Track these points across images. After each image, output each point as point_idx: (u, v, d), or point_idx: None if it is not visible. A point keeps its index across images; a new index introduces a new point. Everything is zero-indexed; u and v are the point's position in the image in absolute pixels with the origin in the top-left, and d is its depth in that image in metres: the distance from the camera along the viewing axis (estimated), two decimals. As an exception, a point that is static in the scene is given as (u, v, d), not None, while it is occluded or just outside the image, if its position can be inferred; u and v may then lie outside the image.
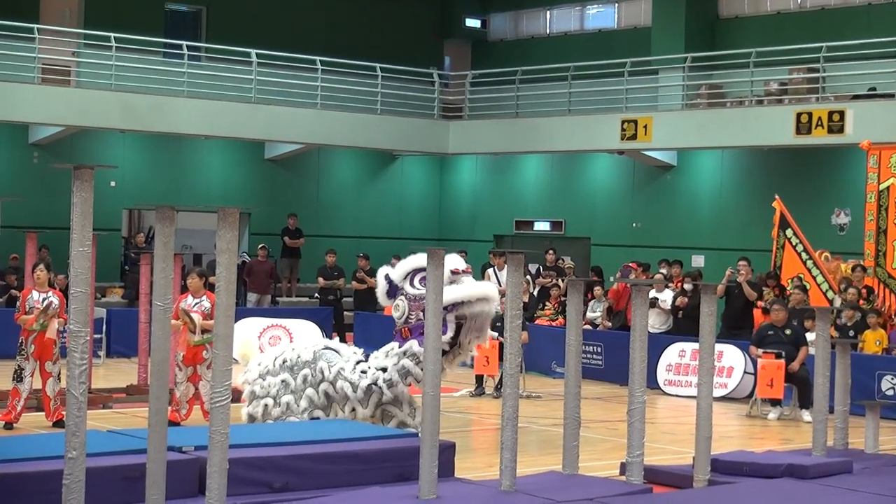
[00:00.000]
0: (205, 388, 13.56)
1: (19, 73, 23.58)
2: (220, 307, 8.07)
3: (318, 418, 12.29)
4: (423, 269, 12.33)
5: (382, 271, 12.99)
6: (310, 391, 12.32)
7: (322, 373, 12.35)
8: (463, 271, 12.64)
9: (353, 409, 12.36)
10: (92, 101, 23.97)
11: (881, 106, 22.03)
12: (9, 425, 13.63)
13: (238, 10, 28.80)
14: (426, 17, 31.61)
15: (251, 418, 12.54)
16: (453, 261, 12.71)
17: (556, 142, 26.66)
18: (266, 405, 12.31)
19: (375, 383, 12.32)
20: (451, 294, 12.04)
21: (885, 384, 16.77)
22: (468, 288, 12.49)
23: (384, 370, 12.39)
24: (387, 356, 12.50)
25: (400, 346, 12.54)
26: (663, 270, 21.85)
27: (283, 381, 12.37)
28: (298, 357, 12.45)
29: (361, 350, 12.94)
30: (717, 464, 11.06)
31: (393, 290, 12.78)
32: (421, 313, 12.28)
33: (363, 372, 12.41)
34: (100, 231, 12.38)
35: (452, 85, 29.98)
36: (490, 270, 22.31)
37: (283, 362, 12.46)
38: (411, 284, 12.60)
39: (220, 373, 8.00)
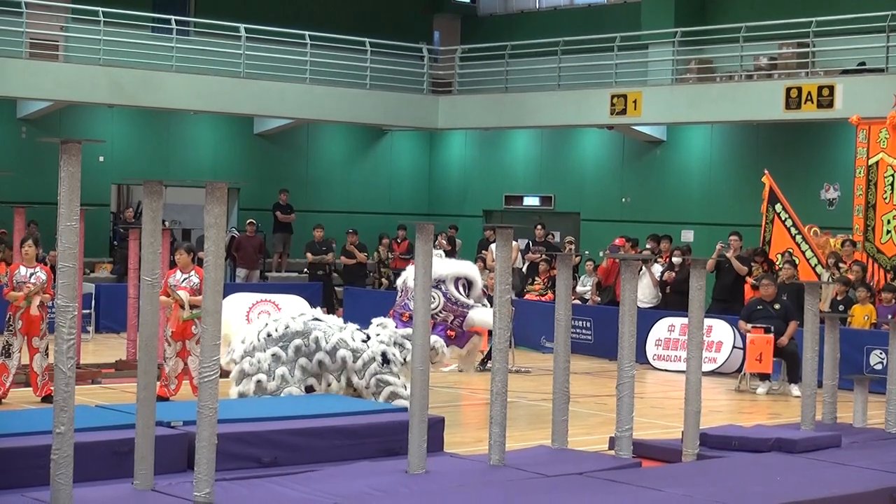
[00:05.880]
0: (194, 363, 13.56)
1: (7, 48, 23.47)
2: (209, 282, 8.06)
3: (311, 387, 12.24)
4: (469, 280, 13.01)
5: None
6: (303, 360, 12.20)
7: (317, 342, 12.26)
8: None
9: (348, 379, 12.34)
10: (80, 75, 23.87)
11: (870, 81, 22.00)
12: (-3, 401, 13.64)
13: (226, -16, 28.70)
14: (415, -9, 31.53)
15: (243, 397, 12.39)
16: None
17: (546, 117, 26.61)
18: (259, 381, 12.13)
19: (384, 355, 12.34)
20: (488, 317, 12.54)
21: (874, 358, 16.81)
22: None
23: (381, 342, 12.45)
24: (388, 334, 12.51)
25: (398, 327, 12.59)
26: (650, 246, 21.80)
27: (273, 355, 12.21)
28: (287, 328, 12.31)
29: (345, 321, 12.90)
30: (705, 438, 11.08)
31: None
32: (451, 318, 12.86)
33: (364, 340, 12.40)
34: (88, 206, 12.38)
35: (442, 60, 29.90)
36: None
37: (268, 335, 12.30)
38: (457, 287, 12.88)
39: (209, 348, 7.99)
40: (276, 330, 12.29)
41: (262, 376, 12.13)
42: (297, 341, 12.25)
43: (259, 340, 12.27)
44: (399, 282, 13.47)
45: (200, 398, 8.03)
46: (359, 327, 12.63)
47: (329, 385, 12.32)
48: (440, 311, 12.76)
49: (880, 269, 19.59)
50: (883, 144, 19.74)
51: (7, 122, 24.96)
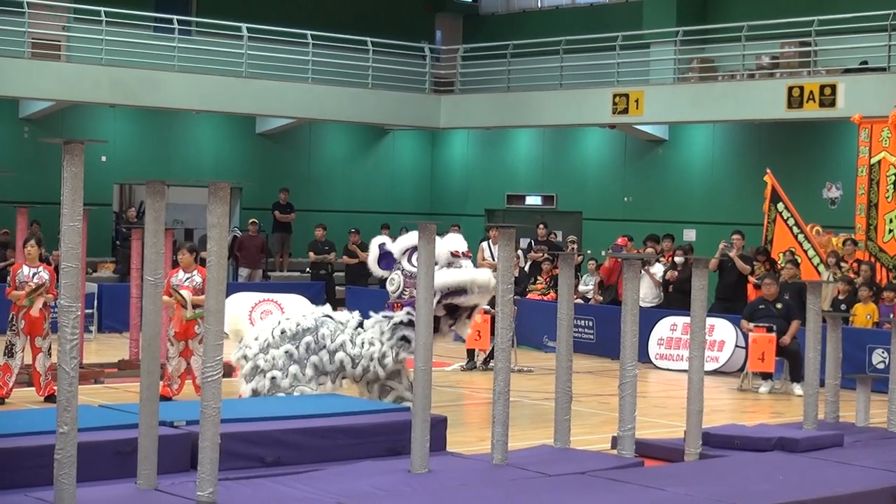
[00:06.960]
0: (196, 362, 13.58)
1: (9, 48, 23.48)
2: (212, 282, 8.06)
3: (321, 385, 12.26)
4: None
5: (378, 240, 13.00)
6: (314, 358, 12.24)
7: (325, 339, 12.31)
8: (463, 254, 12.62)
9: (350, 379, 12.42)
10: (82, 75, 23.88)
11: (872, 80, 22.01)
12: (0, 401, 13.63)
13: (228, -17, 28.69)
14: (417, -10, 31.53)
15: (256, 394, 12.39)
16: (454, 242, 12.71)
17: (548, 116, 26.62)
18: (274, 378, 12.17)
19: (367, 368, 12.36)
20: (446, 278, 12.13)
21: (876, 358, 16.81)
22: (465, 274, 12.47)
23: (372, 344, 12.41)
24: (380, 332, 12.50)
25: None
26: (649, 249, 21.72)
27: (286, 352, 12.24)
28: (298, 325, 12.37)
29: (356, 311, 12.88)
30: (708, 437, 11.08)
31: (388, 262, 12.78)
32: (415, 290, 12.33)
33: (363, 345, 12.40)
34: (90, 206, 12.39)
35: (444, 59, 29.90)
36: (484, 244, 22.31)
37: (283, 332, 12.36)
38: (409, 261, 12.57)
39: (212, 347, 7.99)
40: (290, 328, 12.35)
41: (277, 373, 12.18)
42: (308, 338, 12.32)
43: (273, 337, 12.32)
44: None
45: (203, 398, 8.04)
46: (359, 319, 12.64)
47: (335, 383, 12.33)
48: (403, 291, 12.58)
49: (883, 269, 19.58)
50: (885, 143, 19.73)
51: (9, 122, 24.98)
